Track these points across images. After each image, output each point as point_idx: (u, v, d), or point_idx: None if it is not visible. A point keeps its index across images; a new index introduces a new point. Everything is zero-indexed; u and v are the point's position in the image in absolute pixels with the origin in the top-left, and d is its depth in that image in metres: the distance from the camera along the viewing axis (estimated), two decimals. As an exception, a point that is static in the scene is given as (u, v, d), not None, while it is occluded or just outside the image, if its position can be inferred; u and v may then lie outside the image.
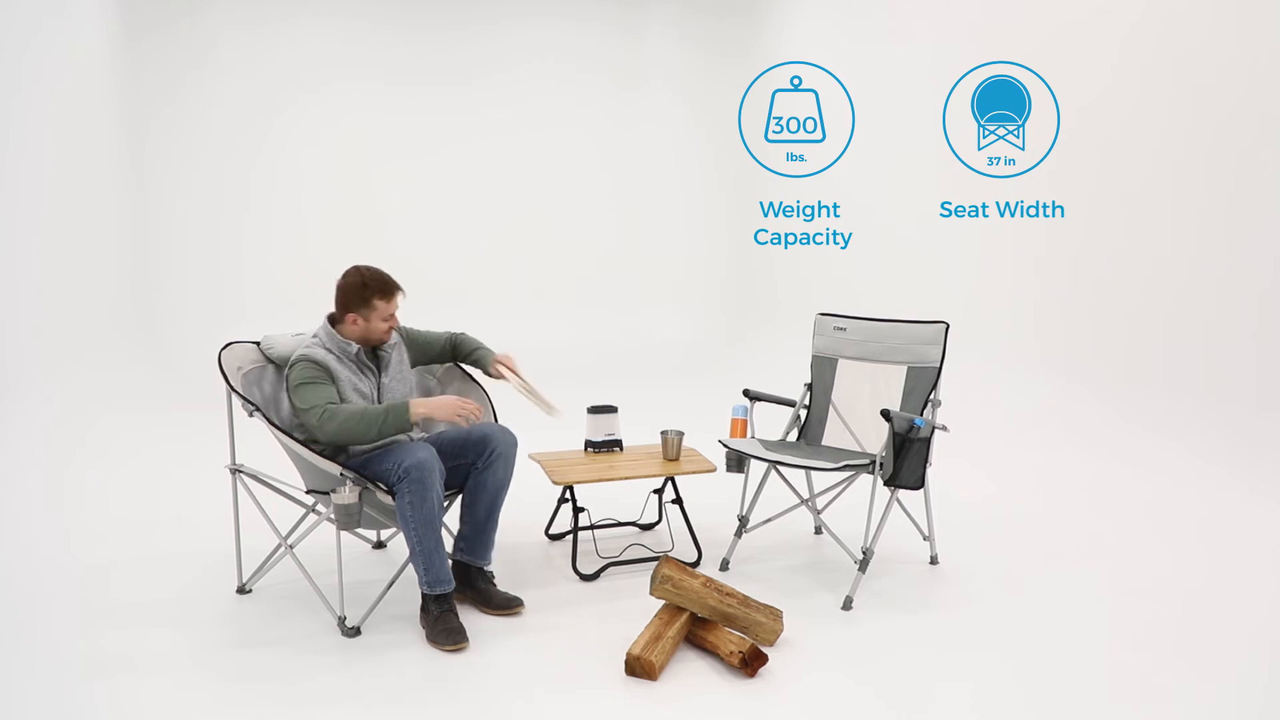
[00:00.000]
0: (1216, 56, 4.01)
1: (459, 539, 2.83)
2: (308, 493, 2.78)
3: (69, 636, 2.58)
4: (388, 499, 2.58)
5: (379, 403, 2.76)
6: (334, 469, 2.54)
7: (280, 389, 2.84)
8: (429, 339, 3.05)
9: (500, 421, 3.03)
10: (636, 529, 3.56)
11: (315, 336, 2.76)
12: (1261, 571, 3.10)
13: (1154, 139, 4.31)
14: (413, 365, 2.98)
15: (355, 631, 2.60)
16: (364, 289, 2.68)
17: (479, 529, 2.81)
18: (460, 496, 2.83)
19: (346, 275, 2.73)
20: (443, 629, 2.54)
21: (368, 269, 2.73)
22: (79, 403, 4.78)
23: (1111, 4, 4.46)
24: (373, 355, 2.81)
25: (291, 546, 2.75)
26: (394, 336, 2.88)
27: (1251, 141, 3.89)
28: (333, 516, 2.54)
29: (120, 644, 2.54)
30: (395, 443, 2.70)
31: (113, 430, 4.79)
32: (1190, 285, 4.21)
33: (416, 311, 7.82)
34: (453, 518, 2.92)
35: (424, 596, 2.61)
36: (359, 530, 2.94)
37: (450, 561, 2.82)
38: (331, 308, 2.77)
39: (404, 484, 2.52)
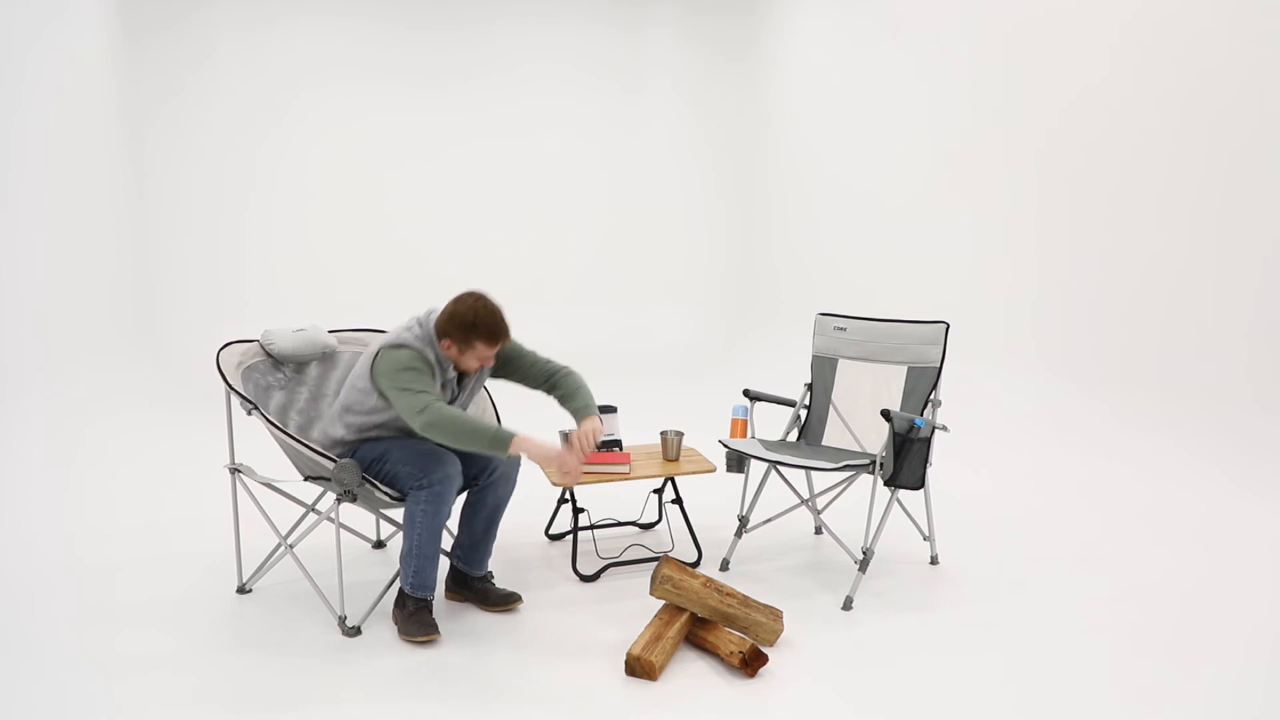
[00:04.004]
0: (1211, 56, 4.01)
1: (456, 547, 2.83)
2: (306, 479, 2.78)
3: (70, 637, 2.58)
4: (385, 498, 2.58)
5: None
6: (330, 465, 2.53)
7: (275, 379, 2.85)
8: (530, 363, 2.83)
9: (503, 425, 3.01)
10: (636, 529, 3.56)
11: (421, 326, 2.62)
12: (1260, 571, 3.11)
13: (1150, 139, 4.32)
14: (494, 375, 2.86)
15: (355, 631, 2.61)
16: (470, 329, 2.54)
17: (476, 541, 2.81)
18: (462, 507, 2.83)
19: (460, 302, 2.56)
20: (415, 622, 2.56)
21: (485, 307, 2.55)
22: (79, 403, 4.78)
23: (1109, 3, 4.46)
24: (459, 375, 2.74)
25: (291, 546, 2.75)
26: None
27: (1245, 141, 3.90)
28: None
29: (121, 644, 2.54)
30: (423, 443, 2.64)
31: (113, 431, 4.79)
32: (1190, 285, 4.22)
33: (418, 312, 7.83)
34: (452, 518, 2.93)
35: (402, 593, 2.62)
36: (356, 529, 2.94)
37: (449, 566, 2.82)
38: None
39: (425, 493, 2.53)
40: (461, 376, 2.74)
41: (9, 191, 4.43)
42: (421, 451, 2.59)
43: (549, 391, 2.85)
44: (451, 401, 2.71)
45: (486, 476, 2.75)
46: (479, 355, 2.59)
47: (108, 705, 2.22)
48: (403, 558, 2.59)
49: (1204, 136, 4.09)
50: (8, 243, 4.40)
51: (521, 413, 5.54)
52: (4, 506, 3.70)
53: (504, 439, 2.42)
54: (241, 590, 2.90)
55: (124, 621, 2.68)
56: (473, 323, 2.54)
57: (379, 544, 3.31)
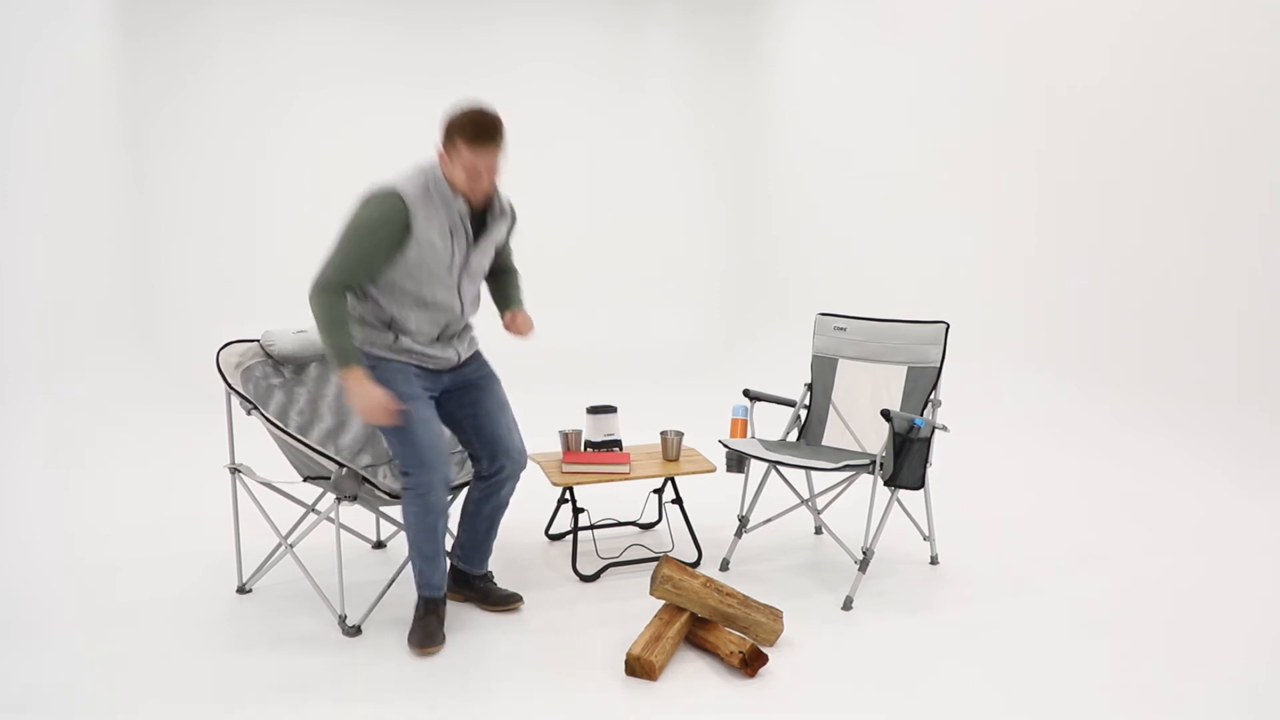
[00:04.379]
0: (1209, 56, 4.01)
1: (457, 545, 2.83)
2: (305, 480, 2.78)
3: (69, 637, 2.58)
4: (385, 496, 2.59)
5: (461, 272, 2.49)
6: (331, 466, 2.53)
7: (274, 380, 2.85)
8: (504, 249, 2.79)
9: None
10: (636, 529, 3.56)
11: (423, 174, 2.39)
12: (1260, 571, 3.10)
13: (1151, 138, 4.32)
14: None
15: (356, 630, 2.61)
16: (457, 129, 2.31)
17: (477, 542, 2.80)
18: (462, 504, 2.81)
19: (454, 110, 2.35)
20: (419, 629, 2.54)
21: (478, 110, 2.32)
22: (80, 403, 4.78)
23: (1109, 3, 4.46)
24: (478, 221, 2.50)
25: (292, 546, 2.75)
26: (501, 207, 2.55)
27: (1246, 141, 3.90)
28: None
29: (121, 644, 2.54)
30: (427, 423, 2.48)
31: (113, 431, 4.79)
32: (1189, 284, 4.22)
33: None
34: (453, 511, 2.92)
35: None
36: (356, 530, 2.94)
37: (448, 564, 2.82)
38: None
39: (410, 494, 2.50)
40: (481, 224, 2.51)
41: (9, 192, 4.43)
42: (417, 439, 2.46)
43: (491, 278, 2.81)
44: (467, 255, 2.48)
45: (492, 474, 2.71)
46: (465, 164, 2.33)
47: (107, 705, 2.22)
48: (409, 557, 2.60)
49: (1208, 135, 4.08)
50: (8, 243, 4.40)
51: (532, 411, 5.54)
52: (4, 507, 3.70)
53: (344, 355, 2.35)
54: (241, 590, 2.90)
55: (124, 621, 2.68)
56: (460, 122, 2.30)
57: (379, 544, 3.31)
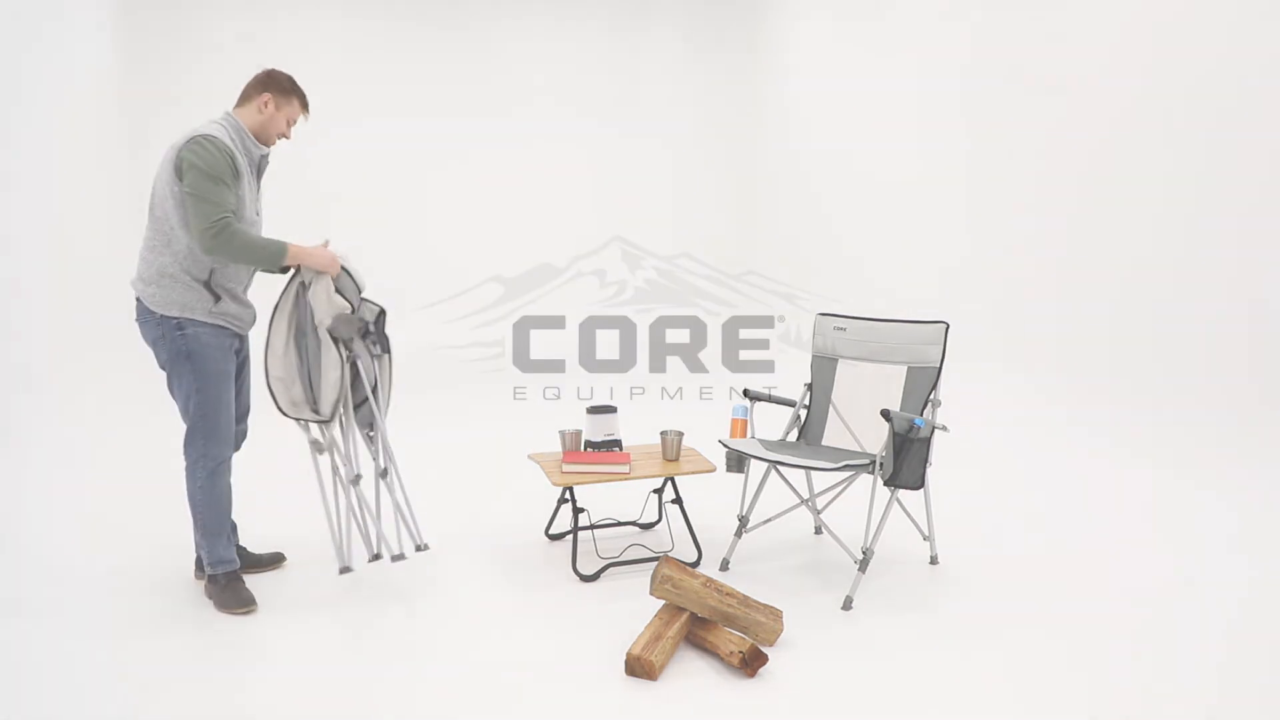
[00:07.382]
0: (1208, 57, 4.01)
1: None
2: (286, 416, 2.82)
3: (69, 636, 2.58)
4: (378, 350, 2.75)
5: (256, 214, 2.77)
6: (314, 418, 2.74)
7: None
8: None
9: None
10: (636, 529, 3.56)
11: (219, 123, 2.65)
12: (1259, 570, 3.10)
13: (1147, 138, 4.32)
14: None
15: (347, 569, 2.77)
16: (292, 90, 2.72)
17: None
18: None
19: (276, 70, 2.75)
20: (231, 594, 2.70)
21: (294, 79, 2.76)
22: (82, 405, 4.78)
23: (1102, 7, 4.46)
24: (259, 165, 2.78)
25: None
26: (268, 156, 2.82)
27: (1241, 141, 3.90)
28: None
29: (119, 643, 2.54)
30: (226, 405, 2.69)
31: (116, 431, 4.79)
32: (1189, 286, 4.22)
33: (419, 313, 7.79)
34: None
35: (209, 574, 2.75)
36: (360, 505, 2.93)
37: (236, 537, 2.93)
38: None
39: (200, 468, 2.66)
40: (259, 169, 2.79)
41: (14, 196, 4.43)
42: (222, 420, 2.66)
43: None
44: (257, 198, 2.77)
45: (237, 446, 2.85)
46: (289, 118, 2.74)
47: (107, 704, 2.22)
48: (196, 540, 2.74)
49: (1195, 138, 4.09)
50: (12, 248, 4.40)
51: (531, 411, 5.53)
52: (9, 507, 3.71)
53: (278, 247, 2.60)
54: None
55: (122, 621, 2.68)
56: (293, 85, 2.74)
57: (379, 552, 3.29)
